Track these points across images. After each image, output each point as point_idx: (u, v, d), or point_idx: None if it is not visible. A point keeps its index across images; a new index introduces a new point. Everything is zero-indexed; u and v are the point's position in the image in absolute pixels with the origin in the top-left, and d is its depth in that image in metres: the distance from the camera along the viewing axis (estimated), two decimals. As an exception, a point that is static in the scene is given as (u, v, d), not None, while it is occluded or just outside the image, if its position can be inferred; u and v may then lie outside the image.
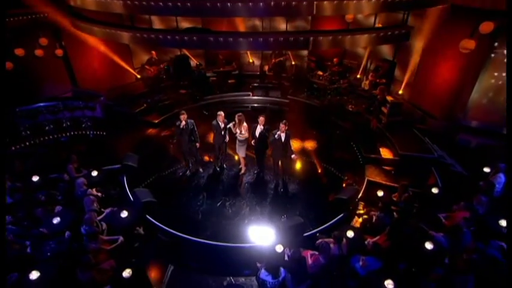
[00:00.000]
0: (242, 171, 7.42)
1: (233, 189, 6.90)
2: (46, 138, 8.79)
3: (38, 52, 9.48)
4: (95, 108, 9.86)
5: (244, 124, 6.83)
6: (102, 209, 6.10)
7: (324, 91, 10.85)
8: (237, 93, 11.58)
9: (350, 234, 5.17)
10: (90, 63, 10.46)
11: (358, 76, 11.35)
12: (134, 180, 6.91)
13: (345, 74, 10.96)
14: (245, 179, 7.25)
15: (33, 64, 9.39)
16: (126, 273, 4.58)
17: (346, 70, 11.14)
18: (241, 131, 6.81)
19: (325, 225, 5.88)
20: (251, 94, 11.29)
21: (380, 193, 6.49)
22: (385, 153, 8.08)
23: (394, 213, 6.06)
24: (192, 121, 6.96)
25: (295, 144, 8.07)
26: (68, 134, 9.23)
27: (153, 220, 6.08)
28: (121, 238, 5.51)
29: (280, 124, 6.32)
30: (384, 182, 7.03)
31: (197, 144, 7.11)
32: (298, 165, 7.70)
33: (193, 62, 11.99)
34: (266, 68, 12.13)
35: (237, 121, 6.76)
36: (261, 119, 6.54)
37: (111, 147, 8.08)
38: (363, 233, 5.49)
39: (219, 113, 7.03)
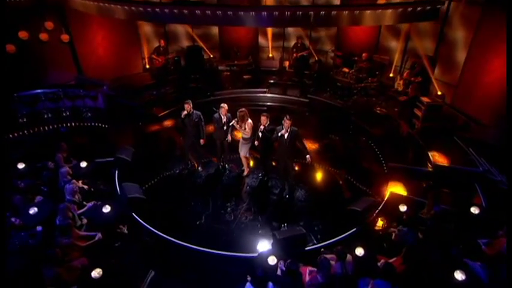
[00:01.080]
0: (245, 172, 7.32)
1: (232, 192, 6.84)
2: (45, 128, 9.08)
3: (43, 36, 9.91)
4: (96, 98, 10.14)
5: (249, 121, 6.71)
6: (85, 202, 6.10)
7: (349, 90, 10.58)
8: (251, 90, 11.48)
9: (359, 252, 4.80)
10: (95, 50, 10.80)
11: (391, 75, 10.91)
12: (126, 175, 6.91)
13: (375, 72, 10.58)
14: (247, 181, 7.16)
15: (37, 49, 9.82)
16: (96, 273, 4.49)
17: (376, 67, 10.77)
18: (244, 128, 6.69)
19: (333, 240, 5.54)
20: (267, 91, 11.24)
21: (403, 208, 6.04)
22: (417, 163, 7.60)
23: (419, 233, 5.56)
24: (199, 113, 6.90)
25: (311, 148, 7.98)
26: (67, 124, 9.46)
27: (139, 219, 5.98)
28: (99, 235, 5.47)
29: (284, 119, 6.08)
30: (410, 196, 6.50)
31: (201, 141, 7.01)
32: (310, 171, 7.52)
33: (208, 55, 12.22)
34: (286, 63, 12.17)
35: (238, 117, 6.63)
36: (262, 118, 6.39)
37: (109, 140, 8.18)
38: (377, 252, 5.08)
39: (222, 105, 6.98)
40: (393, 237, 5.43)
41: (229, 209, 6.41)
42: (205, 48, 12.18)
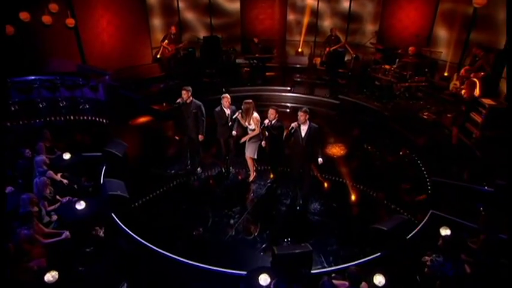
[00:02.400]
0: (250, 177, 7.11)
1: (234, 199, 6.68)
2: (38, 119, 9.24)
3: (46, 19, 10.25)
4: (97, 89, 10.36)
5: (255, 115, 6.52)
6: (59, 197, 6.01)
7: (389, 91, 10.17)
8: (272, 88, 11.27)
9: (379, 280, 4.30)
10: (99, 35, 11.04)
11: (446, 74, 10.31)
12: (116, 173, 6.82)
13: (423, 69, 10.09)
14: (253, 188, 6.97)
15: (39, 33, 10.16)
16: (50, 276, 4.28)
17: (426, 63, 10.27)
18: (249, 123, 6.50)
19: (348, 264, 5.00)
20: (290, 89, 11.10)
21: (445, 231, 5.43)
22: (473, 181, 6.92)
23: (466, 266, 4.92)
24: (199, 103, 6.79)
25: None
26: (62, 116, 9.57)
27: (118, 220, 5.83)
28: (66, 233, 5.30)
29: (299, 113, 5.85)
30: (456, 219, 5.86)
31: (200, 137, 6.91)
32: (332, 183, 7.19)
33: (227, 47, 12.39)
34: (317, 60, 12.24)
35: (243, 109, 6.46)
36: (270, 111, 6.22)
37: (106, 137, 8.24)
38: (404, 285, 4.57)
39: (223, 95, 6.81)
40: (426, 269, 4.82)
41: (227, 218, 6.22)
42: (224, 39, 12.37)
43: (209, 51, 11.92)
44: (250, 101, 6.58)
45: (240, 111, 6.56)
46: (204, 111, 6.86)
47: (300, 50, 12.75)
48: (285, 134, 6.19)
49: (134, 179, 6.96)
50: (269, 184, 7.04)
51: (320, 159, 6.04)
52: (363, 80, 10.91)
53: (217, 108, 6.80)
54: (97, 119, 9.46)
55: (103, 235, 5.74)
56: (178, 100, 6.69)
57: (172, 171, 7.40)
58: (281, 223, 6.13)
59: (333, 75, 11.50)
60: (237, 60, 11.84)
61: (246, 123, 6.56)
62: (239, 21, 12.73)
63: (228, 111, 6.78)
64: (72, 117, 9.47)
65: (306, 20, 12.44)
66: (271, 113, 6.26)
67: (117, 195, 6.15)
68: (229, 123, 6.84)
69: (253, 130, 6.60)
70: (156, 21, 12.15)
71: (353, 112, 9.96)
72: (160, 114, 9.70)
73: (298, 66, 12.30)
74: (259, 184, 7.07)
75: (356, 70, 11.37)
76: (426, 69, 10.19)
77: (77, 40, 10.83)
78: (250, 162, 6.96)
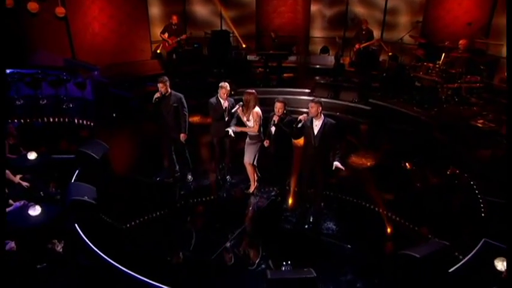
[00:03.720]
0: (250, 188, 6.77)
1: (229, 213, 6.42)
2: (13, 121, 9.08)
3: (32, 6, 10.38)
4: (84, 86, 10.36)
5: (256, 110, 6.23)
6: (11, 201, 5.67)
7: (434, 94, 9.75)
8: (288, 90, 11.05)
9: None
10: (89, 24, 11.14)
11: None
12: (91, 178, 6.63)
13: (478, 67, 9.72)
14: (253, 201, 6.66)
15: (23, 21, 10.32)
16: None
17: (482, 60, 9.83)
18: (248, 118, 6.24)
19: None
20: (310, 92, 10.91)
21: (501, 264, 4.87)
22: None
23: None
24: (180, 95, 6.64)
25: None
26: (42, 118, 9.46)
27: (80, 232, 5.53)
28: (11, 244, 4.92)
29: (310, 104, 5.56)
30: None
31: (181, 136, 6.75)
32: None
33: (239, 44, 12.48)
34: (346, 60, 12.15)
35: (244, 102, 6.21)
36: (277, 105, 5.96)
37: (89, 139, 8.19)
38: None
39: (221, 84, 6.52)
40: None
41: (221, 236, 5.87)
42: (238, 36, 12.46)
43: (217, 47, 11.93)
44: (253, 91, 6.31)
45: (241, 103, 6.27)
46: (185, 105, 6.68)
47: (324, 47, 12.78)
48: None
49: (112, 187, 6.85)
50: (273, 197, 6.73)
51: (338, 163, 5.58)
52: (400, 82, 10.64)
53: (213, 99, 6.55)
54: (82, 121, 9.46)
55: (61, 250, 5.35)
56: (157, 95, 6.46)
57: (158, 179, 7.20)
58: (285, 244, 5.80)
59: (364, 77, 11.21)
60: (248, 57, 11.82)
61: (245, 119, 6.29)
62: (254, 14, 12.87)
63: (225, 104, 6.50)
64: (52, 119, 9.45)
65: (332, 12, 12.45)
66: (279, 106, 5.96)
67: (82, 202, 5.82)
68: (226, 118, 6.57)
69: (252, 127, 6.31)
70: (157, 11, 12.28)
71: (387, 120, 9.72)
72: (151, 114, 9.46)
73: (322, 67, 12.28)
74: (261, 197, 6.78)
75: (392, 70, 11.07)
76: (482, 67, 9.71)
77: (67, 32, 10.94)
78: (249, 170, 6.61)
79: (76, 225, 5.66)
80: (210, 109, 6.61)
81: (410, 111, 9.68)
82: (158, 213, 6.32)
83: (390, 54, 11.40)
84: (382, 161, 8.00)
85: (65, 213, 5.73)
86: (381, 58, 11.77)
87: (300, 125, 5.63)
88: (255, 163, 6.50)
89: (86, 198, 5.87)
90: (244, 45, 12.26)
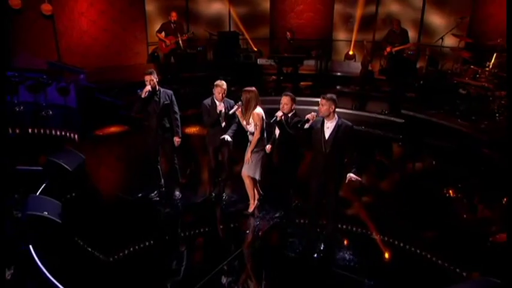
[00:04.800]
0: (250, 208, 6.52)
1: (224, 239, 6.32)
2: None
3: (13, 2, 10.48)
4: (67, 91, 10.32)
5: (257, 110, 6.03)
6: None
7: (482, 103, 9.53)
8: (304, 99, 10.90)
9: None
10: (76, 21, 11.17)
11: None
12: (61, 193, 6.66)
13: None
14: (252, 222, 6.44)
15: (4, 19, 10.30)
16: None
17: None
18: (248, 122, 6.07)
19: None
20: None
21: None
22: None
23: None
24: (170, 92, 6.57)
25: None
26: (14, 128, 9.26)
27: (34, 255, 5.30)
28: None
29: (320, 101, 5.24)
30: None
31: (176, 140, 6.63)
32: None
33: (250, 47, 12.66)
34: (375, 67, 12.18)
35: (242, 101, 6.06)
36: (284, 99, 5.79)
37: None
38: None
39: (217, 82, 6.37)
40: None
41: (212, 266, 5.63)
42: (248, 39, 12.62)
43: (225, 51, 11.98)
44: (252, 88, 6.10)
45: (240, 103, 6.09)
46: (176, 103, 6.63)
47: (350, 52, 12.76)
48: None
49: (84, 204, 6.77)
50: (276, 219, 6.46)
51: (353, 175, 5.21)
52: (440, 90, 10.45)
53: (207, 100, 6.42)
54: (62, 132, 9.37)
55: (10, 277, 5.20)
56: (147, 89, 6.32)
57: (140, 195, 7.00)
58: (289, 276, 5.59)
59: (397, 85, 11.14)
60: (259, 61, 11.76)
61: (244, 122, 6.11)
62: (267, 14, 13.01)
63: (220, 106, 6.35)
64: (28, 128, 9.35)
65: (359, 11, 12.37)
66: (285, 101, 5.74)
67: (41, 218, 5.61)
68: (223, 124, 6.41)
69: (253, 131, 6.10)
70: (156, 8, 12.39)
71: (424, 135, 9.53)
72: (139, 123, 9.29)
73: (346, 74, 12.43)
74: (261, 219, 6.53)
75: (430, 76, 10.98)
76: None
77: (54, 32, 11.04)
78: (248, 185, 6.32)
79: (31, 247, 5.44)
80: (204, 112, 6.47)
81: (454, 124, 9.48)
82: (133, 236, 6.08)
83: (428, 55, 11.33)
84: (417, 185, 7.71)
85: (19, 231, 5.62)
86: (418, 65, 11.60)
87: (306, 125, 5.29)
88: (257, 177, 6.25)
89: (45, 214, 5.69)
90: (255, 49, 12.37)
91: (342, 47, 12.96)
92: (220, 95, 6.29)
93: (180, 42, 11.13)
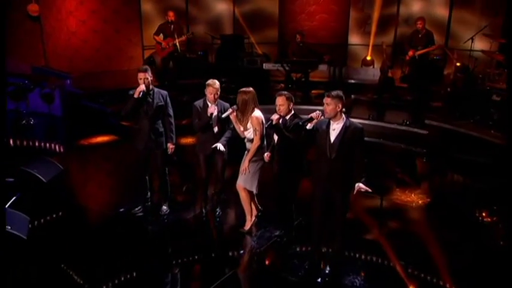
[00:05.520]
0: (246, 225, 6.40)
1: (217, 261, 6.15)
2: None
3: (-3, 3, 10.63)
4: (52, 98, 10.28)
5: (256, 114, 5.91)
6: None
7: None
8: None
9: None
10: (64, 21, 11.23)
11: None
12: (34, 206, 6.62)
13: None
14: (249, 241, 6.33)
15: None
16: None
17: None
18: (245, 128, 5.97)
19: None
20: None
21: None
22: None
23: None
24: (165, 93, 6.56)
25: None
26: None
27: None
28: None
29: (325, 100, 5.07)
30: None
31: (170, 146, 6.61)
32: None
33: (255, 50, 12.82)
34: (396, 74, 12.04)
35: (238, 103, 5.96)
36: (279, 99, 5.71)
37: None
38: None
39: (208, 82, 6.31)
40: None
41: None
42: (253, 40, 12.79)
43: (228, 55, 12.03)
44: (250, 89, 5.99)
45: (235, 106, 5.99)
46: (171, 106, 6.62)
47: (368, 57, 12.79)
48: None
49: (58, 219, 6.70)
50: (276, 238, 6.33)
51: (362, 185, 5.05)
52: (470, 97, 10.36)
53: (198, 102, 6.40)
54: (45, 143, 9.25)
55: None
56: (141, 88, 6.23)
57: (121, 210, 6.90)
58: None
59: (420, 93, 10.99)
60: (265, 66, 11.71)
61: (241, 128, 6.00)
62: (276, 15, 13.07)
63: (212, 108, 6.29)
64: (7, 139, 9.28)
65: (377, 12, 12.41)
66: (281, 102, 5.63)
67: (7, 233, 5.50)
68: (215, 129, 6.35)
69: (251, 138, 6.01)
70: (153, 8, 12.47)
71: (451, 148, 9.43)
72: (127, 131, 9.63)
73: (363, 82, 12.47)
74: (259, 237, 6.39)
75: (459, 82, 10.86)
76: None
77: (41, 34, 11.05)
78: (244, 198, 6.20)
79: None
80: (194, 115, 6.44)
81: (486, 135, 9.34)
82: (108, 259, 5.97)
83: (458, 64, 11.06)
84: (445, 206, 7.55)
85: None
86: (445, 71, 11.58)
87: (309, 125, 5.09)
88: (254, 190, 6.12)
89: (8, 228, 5.54)
90: (261, 53, 12.52)
91: (359, 51, 12.97)
92: (213, 95, 6.22)
93: (178, 44, 11.11)
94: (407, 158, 9.51)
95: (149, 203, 6.94)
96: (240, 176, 6.14)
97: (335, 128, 5.04)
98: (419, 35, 10.84)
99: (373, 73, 12.21)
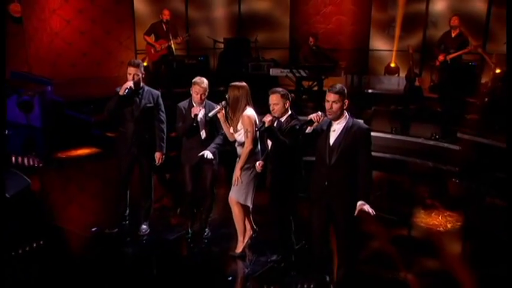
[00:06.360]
0: (238, 248, 6.22)
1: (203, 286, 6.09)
2: None
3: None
4: (31, 107, 10.35)
5: (248, 113, 5.81)
6: None
7: None
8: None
9: None
10: (46, 20, 11.27)
11: None
12: None
13: None
14: (242, 267, 6.17)
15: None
16: None
17: None
18: (235, 129, 5.88)
19: None
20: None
21: None
22: None
23: None
24: (158, 93, 6.50)
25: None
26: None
27: None
28: None
29: (327, 95, 4.87)
30: None
31: (157, 156, 6.49)
32: None
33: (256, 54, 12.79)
34: (425, 82, 12.17)
35: (229, 100, 5.87)
36: (273, 97, 5.54)
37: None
38: None
39: (195, 80, 6.18)
40: None
41: None
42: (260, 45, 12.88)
43: (232, 60, 12.08)
44: (243, 84, 5.87)
45: (223, 102, 5.84)
46: (163, 108, 6.49)
47: (392, 64, 12.86)
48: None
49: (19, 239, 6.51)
50: (273, 263, 6.13)
51: (363, 204, 4.80)
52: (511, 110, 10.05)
53: (183, 103, 6.33)
54: (21, 157, 9.22)
55: None
56: (128, 84, 6.12)
57: (94, 229, 6.80)
58: None
59: (452, 104, 10.94)
60: (272, 72, 11.71)
61: (231, 130, 5.85)
62: (287, 17, 13.16)
63: (197, 109, 6.19)
64: None
65: (401, 11, 12.19)
66: (274, 100, 5.44)
67: None
68: (202, 134, 6.23)
69: (242, 140, 5.85)
70: (147, 8, 12.57)
71: (488, 166, 9.24)
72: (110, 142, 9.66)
73: (385, 92, 12.57)
74: (253, 262, 6.20)
75: (499, 91, 10.64)
76: None
77: (24, 36, 11.18)
78: (237, 214, 5.99)
79: None
80: (178, 117, 6.33)
81: None
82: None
83: (498, 71, 10.90)
84: (482, 236, 7.30)
85: None
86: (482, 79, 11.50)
87: (309, 129, 4.84)
88: (248, 203, 5.93)
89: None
90: (268, 57, 12.62)
91: (381, 57, 12.95)
92: (199, 96, 6.07)
93: (173, 46, 11.09)
94: (436, 178, 9.31)
95: (127, 222, 6.81)
96: (232, 187, 5.96)
97: (335, 129, 4.82)
98: (452, 36, 10.64)
99: (398, 82, 12.22)
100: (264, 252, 6.24)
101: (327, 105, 4.74)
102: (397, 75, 12.61)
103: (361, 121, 5.33)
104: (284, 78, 11.74)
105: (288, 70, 11.47)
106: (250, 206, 6.02)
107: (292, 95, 11.92)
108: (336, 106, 4.67)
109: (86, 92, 11.31)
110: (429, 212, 7.76)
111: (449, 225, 7.21)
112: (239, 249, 6.13)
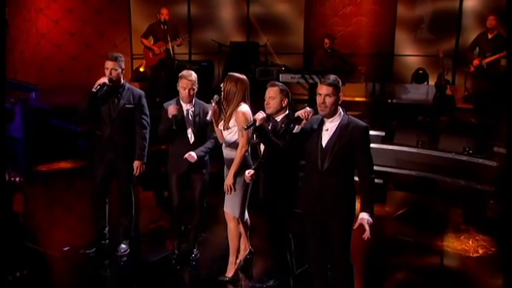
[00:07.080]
0: (229, 272, 6.04)
1: None
2: None
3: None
4: (12, 116, 10.42)
5: (243, 109, 5.59)
6: None
7: None
8: None
9: None
10: (32, 21, 11.40)
11: None
12: None
13: None
14: None
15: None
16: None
17: None
18: (226, 126, 5.68)
19: None
20: (384, 136, 10.99)
21: None
22: None
23: None
24: (141, 92, 6.43)
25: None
26: None
27: None
28: None
29: (319, 88, 4.68)
30: None
31: (135, 164, 6.33)
32: None
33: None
34: (458, 91, 12.19)
35: (224, 93, 5.66)
36: (270, 91, 5.39)
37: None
38: None
39: (182, 73, 6.07)
40: None
41: None
42: (270, 48, 13.03)
43: (239, 66, 11.87)
44: (243, 77, 5.68)
45: (216, 97, 5.66)
46: (147, 111, 6.36)
47: (420, 71, 13.01)
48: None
49: None
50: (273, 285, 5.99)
51: (365, 216, 4.57)
52: None
53: (169, 103, 6.14)
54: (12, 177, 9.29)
55: None
56: (102, 80, 5.97)
57: (67, 248, 6.71)
58: None
59: (489, 115, 10.76)
60: (281, 78, 11.62)
61: (220, 126, 5.67)
62: (301, 19, 13.26)
63: (186, 109, 6.06)
64: None
65: (429, 9, 12.56)
66: (272, 94, 5.27)
67: None
68: (191, 138, 6.05)
69: (232, 146, 5.74)
70: (145, 9, 12.61)
71: None
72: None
73: (412, 102, 12.79)
74: (249, 287, 6.12)
75: None
76: None
77: (9, 39, 11.31)
78: (232, 231, 5.84)
79: None
80: (162, 119, 6.18)
81: None
82: None
83: None
84: None
85: None
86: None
87: (297, 129, 4.59)
88: (244, 217, 5.82)
89: None
90: (278, 62, 12.84)
91: (408, 63, 13.11)
92: (187, 91, 5.87)
93: (171, 49, 11.12)
94: (469, 199, 9.06)
95: (106, 241, 6.62)
96: (225, 200, 5.76)
97: (328, 128, 4.52)
98: (488, 38, 10.45)
99: (427, 90, 12.35)
100: (259, 276, 6.08)
101: (319, 99, 4.46)
102: (425, 83, 12.72)
103: (358, 119, 4.92)
104: (296, 85, 11.56)
105: (300, 75, 11.38)
106: (246, 219, 5.89)
107: (305, 104, 12.00)
108: (329, 100, 4.41)
109: (74, 100, 11.20)
110: (458, 236, 7.53)
111: (480, 251, 6.96)
112: (230, 272, 5.94)
